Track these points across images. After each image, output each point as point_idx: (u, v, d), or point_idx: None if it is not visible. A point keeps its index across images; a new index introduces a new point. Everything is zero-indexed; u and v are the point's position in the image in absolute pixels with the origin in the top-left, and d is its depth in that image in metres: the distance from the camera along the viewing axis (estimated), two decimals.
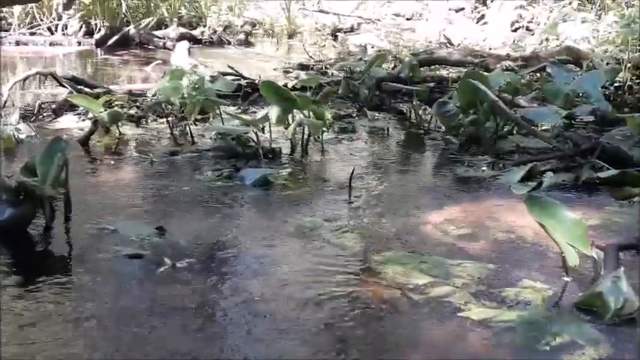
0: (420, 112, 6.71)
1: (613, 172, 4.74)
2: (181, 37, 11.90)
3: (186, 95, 5.77)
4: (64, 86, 6.91)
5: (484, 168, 5.08)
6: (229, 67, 7.81)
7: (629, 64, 7.54)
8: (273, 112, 5.30)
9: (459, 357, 2.56)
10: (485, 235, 3.74)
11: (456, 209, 4.18)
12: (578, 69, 7.49)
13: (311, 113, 5.55)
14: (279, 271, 3.21)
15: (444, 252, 3.47)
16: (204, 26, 13.09)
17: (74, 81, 7.04)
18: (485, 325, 2.72)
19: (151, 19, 12.47)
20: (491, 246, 3.58)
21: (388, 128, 6.37)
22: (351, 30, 13.67)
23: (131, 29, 12.01)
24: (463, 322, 2.75)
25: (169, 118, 5.97)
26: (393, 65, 8.30)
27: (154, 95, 6.37)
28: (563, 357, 2.50)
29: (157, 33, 12.32)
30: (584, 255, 3.16)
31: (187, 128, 5.76)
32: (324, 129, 5.63)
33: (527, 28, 10.40)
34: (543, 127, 5.87)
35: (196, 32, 12.72)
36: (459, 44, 9.76)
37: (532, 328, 2.69)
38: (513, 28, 10.71)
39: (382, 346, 2.61)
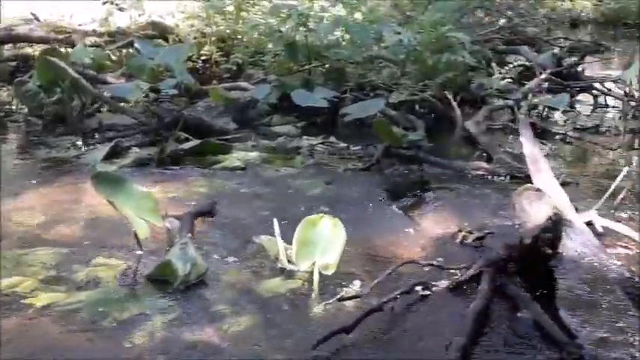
0: (2, 92, 6.23)
1: (195, 142, 4.92)
2: None
3: None
4: None
5: (69, 148, 4.90)
6: None
7: (213, 38, 7.88)
8: None
9: (22, 344, 2.42)
10: (64, 218, 3.60)
11: (35, 195, 3.97)
12: (165, 43, 7.60)
13: None
14: None
15: (17, 242, 3.26)
16: None
17: None
18: (50, 310, 2.62)
19: None
20: (69, 229, 3.46)
21: None
22: None
23: None
24: (27, 309, 2.62)
25: None
26: None
27: None
28: (129, 330, 2.49)
29: None
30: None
31: None
32: None
33: (116, 4, 10.25)
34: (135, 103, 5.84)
35: None
36: (44, 20, 9.21)
37: (100, 307, 2.65)
38: (102, 2, 10.48)
39: None
